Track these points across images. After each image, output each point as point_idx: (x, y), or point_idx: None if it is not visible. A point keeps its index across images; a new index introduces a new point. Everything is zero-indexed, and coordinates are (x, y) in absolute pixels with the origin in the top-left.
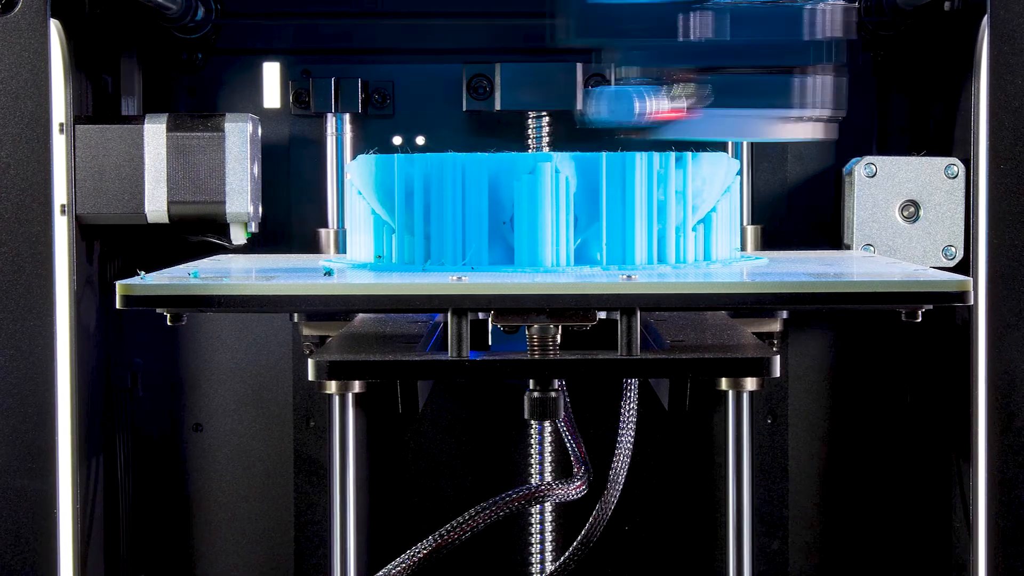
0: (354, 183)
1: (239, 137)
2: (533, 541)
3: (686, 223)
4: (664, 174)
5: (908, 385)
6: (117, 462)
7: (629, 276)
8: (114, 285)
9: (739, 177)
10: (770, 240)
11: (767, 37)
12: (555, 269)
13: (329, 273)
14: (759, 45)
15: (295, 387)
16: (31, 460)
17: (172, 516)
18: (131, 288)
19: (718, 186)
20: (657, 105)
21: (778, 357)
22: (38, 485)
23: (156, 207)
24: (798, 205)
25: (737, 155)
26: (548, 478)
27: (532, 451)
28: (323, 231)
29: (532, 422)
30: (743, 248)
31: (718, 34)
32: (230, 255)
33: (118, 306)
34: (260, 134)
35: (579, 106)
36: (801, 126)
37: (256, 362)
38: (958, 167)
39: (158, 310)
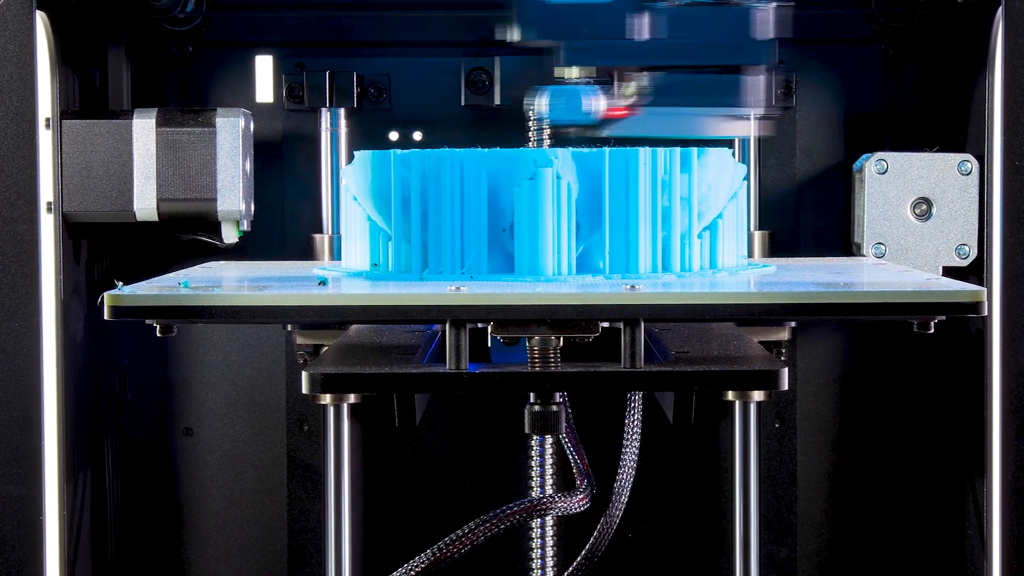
0: (349, 189)
1: (231, 132)
2: (534, 556)
3: (691, 230)
4: (669, 180)
5: (920, 389)
6: (105, 467)
7: (633, 286)
8: (102, 285)
9: (746, 182)
10: (778, 238)
11: (708, 37)
12: (556, 278)
13: (323, 283)
14: (701, 45)
15: (288, 390)
16: (16, 465)
17: (162, 523)
18: (119, 299)
19: (724, 192)
20: (604, 103)
21: (786, 369)
22: (24, 491)
23: (145, 205)
24: (807, 203)
25: (744, 153)
26: (549, 490)
27: (533, 462)
28: (317, 237)
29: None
30: (750, 254)
31: (663, 34)
32: (221, 262)
33: (106, 317)
34: (252, 129)
35: (529, 104)
36: (738, 123)
37: (249, 364)
38: (972, 163)
39: (147, 321)
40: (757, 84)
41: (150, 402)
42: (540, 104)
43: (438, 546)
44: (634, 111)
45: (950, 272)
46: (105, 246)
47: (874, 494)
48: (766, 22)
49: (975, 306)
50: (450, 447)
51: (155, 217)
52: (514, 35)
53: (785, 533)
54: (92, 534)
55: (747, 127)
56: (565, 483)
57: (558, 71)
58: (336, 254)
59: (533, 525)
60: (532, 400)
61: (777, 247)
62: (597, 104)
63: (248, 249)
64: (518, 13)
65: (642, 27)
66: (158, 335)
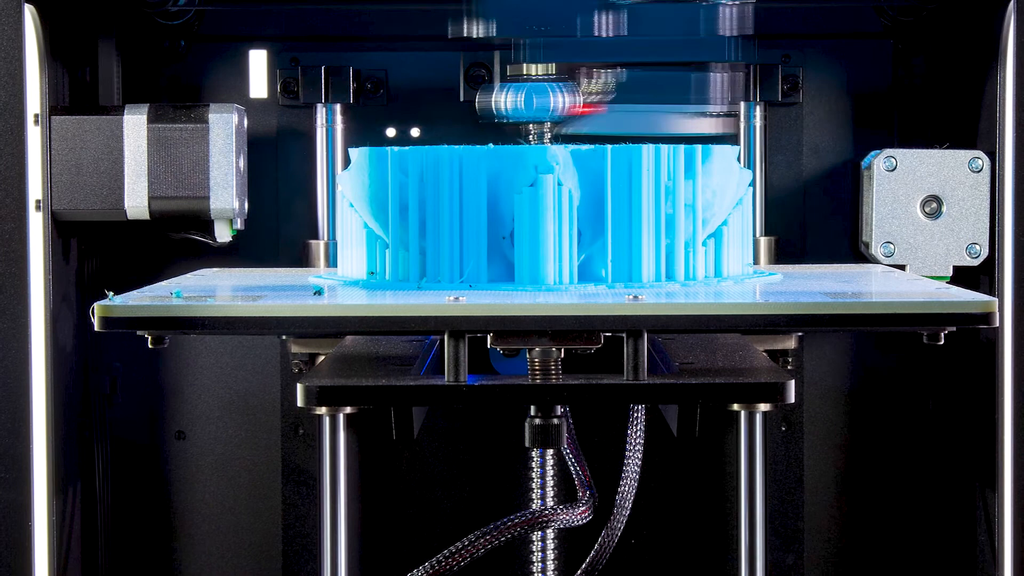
0: (345, 195)
1: (224, 129)
2: (535, 569)
3: (695, 238)
4: (672, 187)
5: (930, 390)
6: (95, 472)
7: (636, 296)
8: (92, 285)
9: (751, 188)
10: (784, 238)
11: (672, 34)
12: (557, 287)
13: (319, 292)
14: (665, 42)
15: (283, 393)
16: (4, 470)
17: (153, 528)
18: (110, 309)
19: (729, 198)
20: (568, 100)
21: (792, 382)
22: (12, 496)
23: (136, 202)
24: (814, 201)
25: (750, 150)
26: (551, 501)
27: (534, 473)
28: (313, 243)
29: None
30: (756, 261)
31: (627, 30)
32: (214, 270)
33: (96, 328)
34: (246, 125)
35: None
36: (702, 121)
37: (242, 367)
38: (983, 160)
39: (138, 332)
40: (721, 81)
41: (142, 405)
42: (498, 100)
43: (437, 558)
44: (598, 108)
45: (961, 271)
46: (95, 245)
47: (883, 499)
48: (731, 19)
49: (986, 317)
50: (449, 456)
51: (146, 215)
52: (474, 31)
53: (792, 539)
54: (82, 540)
55: (708, 124)
56: (567, 494)
57: (517, 68)
58: (332, 260)
59: (534, 537)
60: (533, 413)
61: (783, 247)
62: (562, 101)
63: (242, 251)
64: (481, 7)
65: (606, 23)
66: (150, 346)
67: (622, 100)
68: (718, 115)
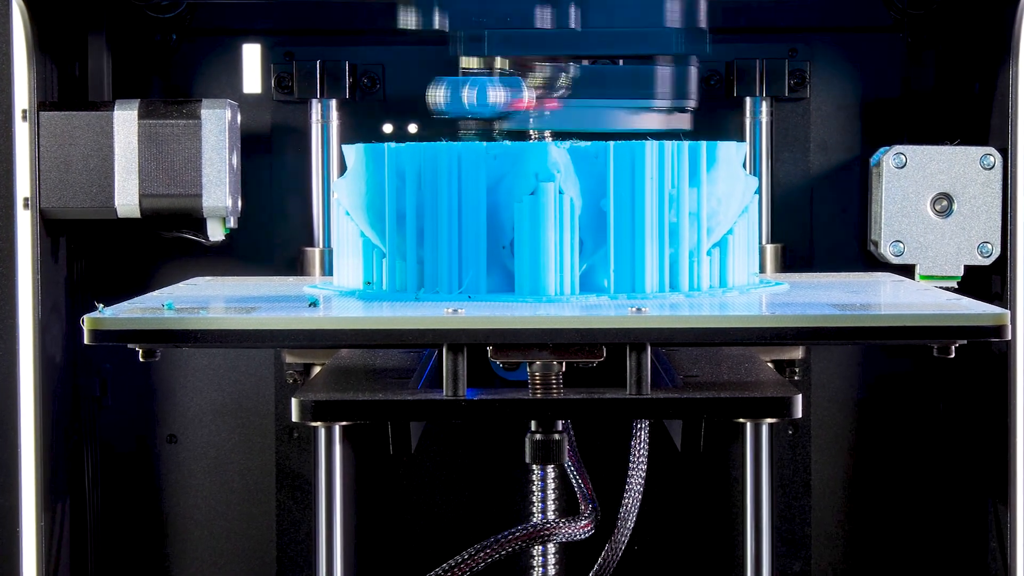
0: (341, 203)
1: (217, 125)
2: None
3: (700, 247)
4: (676, 195)
5: (941, 395)
6: (85, 476)
7: (639, 309)
8: (81, 284)
9: (757, 195)
10: (791, 241)
11: (624, 26)
12: (559, 298)
13: (314, 304)
14: (615, 34)
15: (277, 395)
16: None
17: (144, 534)
18: (100, 322)
19: (735, 207)
20: (512, 95)
21: (800, 396)
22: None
23: (127, 200)
24: (821, 198)
25: (756, 146)
26: (552, 515)
27: (535, 485)
28: (309, 250)
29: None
30: (762, 269)
31: (575, 23)
32: (207, 279)
33: (86, 341)
34: (239, 121)
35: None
36: (655, 116)
37: (236, 368)
38: (995, 157)
39: (129, 345)
40: (673, 75)
41: (132, 408)
42: (438, 95)
43: (436, 572)
44: (544, 104)
45: (972, 271)
46: (85, 244)
47: (891, 504)
48: (688, 12)
49: (998, 330)
50: (448, 466)
51: (137, 214)
52: (411, 22)
53: (798, 545)
54: (71, 546)
55: (661, 120)
56: (568, 507)
57: (463, 61)
58: (328, 268)
59: (535, 552)
60: (533, 428)
61: (791, 251)
62: (505, 96)
63: (235, 252)
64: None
65: (556, 15)
66: (141, 360)
67: (575, 96)
68: (669, 111)
